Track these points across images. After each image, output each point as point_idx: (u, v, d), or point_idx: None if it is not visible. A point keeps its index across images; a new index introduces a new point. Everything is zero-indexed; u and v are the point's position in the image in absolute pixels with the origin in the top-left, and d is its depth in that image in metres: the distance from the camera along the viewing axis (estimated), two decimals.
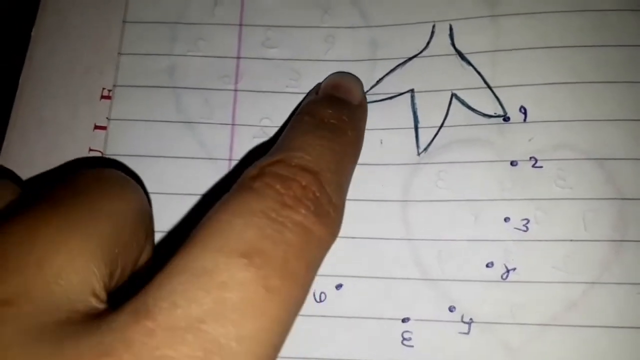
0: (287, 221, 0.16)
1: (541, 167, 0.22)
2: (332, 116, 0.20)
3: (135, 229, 0.17)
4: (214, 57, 0.25)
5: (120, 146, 0.24)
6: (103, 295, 0.15)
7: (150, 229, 0.19)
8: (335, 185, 0.18)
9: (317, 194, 0.17)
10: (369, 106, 0.24)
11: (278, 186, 0.17)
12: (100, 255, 0.15)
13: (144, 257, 0.18)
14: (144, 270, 0.18)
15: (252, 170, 0.17)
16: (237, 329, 0.14)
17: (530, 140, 0.23)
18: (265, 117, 0.24)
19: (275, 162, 0.18)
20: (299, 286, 0.16)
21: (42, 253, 0.15)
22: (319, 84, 0.24)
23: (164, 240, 0.23)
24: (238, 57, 0.25)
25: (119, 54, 0.25)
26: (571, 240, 0.21)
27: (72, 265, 0.15)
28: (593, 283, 0.21)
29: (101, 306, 0.15)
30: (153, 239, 0.20)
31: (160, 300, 0.14)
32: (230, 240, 0.15)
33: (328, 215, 0.17)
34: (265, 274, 0.15)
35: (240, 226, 0.15)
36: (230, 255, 0.15)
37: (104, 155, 0.24)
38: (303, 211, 0.16)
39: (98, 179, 0.18)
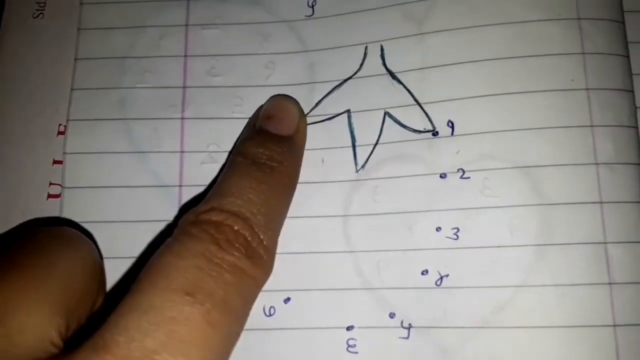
0: (223, 262, 0.16)
1: (468, 178, 0.22)
2: (263, 155, 0.20)
3: (88, 282, 0.18)
4: (161, 87, 0.24)
5: (77, 179, 0.23)
6: (60, 343, 0.16)
7: (102, 281, 0.19)
8: (266, 227, 0.18)
9: (249, 238, 0.17)
10: (310, 127, 0.23)
11: (212, 231, 0.17)
12: (56, 309, 0.16)
13: (97, 306, 0.18)
14: (97, 317, 0.18)
15: (189, 217, 0.18)
16: (186, 358, 0.15)
17: (457, 152, 0.22)
18: (212, 143, 0.23)
19: (209, 209, 0.18)
20: (237, 320, 0.17)
21: (3, 311, 0.15)
22: (260, 107, 0.23)
23: (131, 266, 0.22)
24: (184, 87, 0.24)
25: (72, 89, 0.24)
26: (498, 247, 0.21)
27: (31, 320, 0.15)
28: (520, 286, 0.21)
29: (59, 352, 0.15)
30: (105, 289, 0.20)
31: (116, 335, 0.14)
32: (175, 279, 0.16)
33: (260, 256, 0.18)
34: (208, 309, 0.15)
35: (184, 267, 0.16)
36: (177, 293, 0.15)
37: (64, 187, 0.23)
38: (236, 254, 0.17)
39: (52, 237, 0.18)
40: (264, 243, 0.18)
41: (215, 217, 0.17)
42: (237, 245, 0.17)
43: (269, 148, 0.20)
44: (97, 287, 0.18)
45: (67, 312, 0.16)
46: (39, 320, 0.15)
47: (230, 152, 0.23)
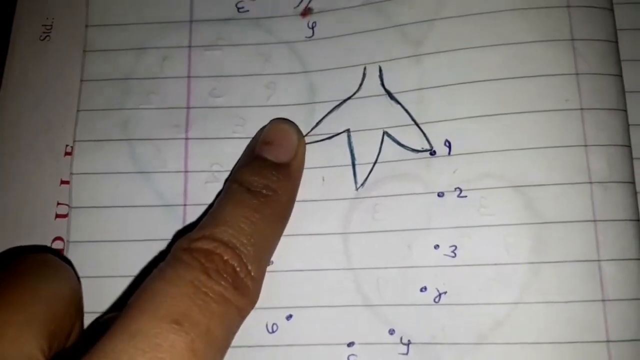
0: (210, 292, 0.17)
1: (465, 196, 0.22)
2: (258, 183, 0.20)
3: (68, 306, 0.19)
4: (165, 108, 0.25)
5: (84, 199, 0.24)
6: None
7: (80, 307, 0.20)
8: (255, 258, 0.19)
9: (237, 268, 0.18)
10: (311, 147, 0.24)
11: (203, 260, 0.18)
12: (40, 333, 0.17)
13: (75, 331, 0.19)
14: (75, 342, 0.19)
15: (182, 243, 0.19)
16: None
17: (454, 172, 0.23)
18: (215, 163, 0.24)
19: (201, 237, 0.18)
20: (219, 351, 0.17)
21: None
22: (260, 130, 0.24)
23: (130, 285, 0.23)
24: (188, 108, 0.25)
25: (78, 110, 0.25)
26: (495, 264, 0.22)
27: (18, 342, 0.16)
28: (516, 303, 0.21)
29: None
30: (82, 313, 0.21)
31: (103, 358, 0.15)
32: (164, 306, 0.16)
33: (247, 287, 0.18)
34: (192, 338, 0.16)
35: (173, 294, 0.17)
36: (164, 320, 0.16)
37: (71, 207, 0.24)
38: (223, 283, 0.17)
39: (36, 264, 0.19)
40: (252, 274, 0.19)
41: (206, 245, 0.18)
42: (225, 275, 0.18)
43: (265, 176, 0.21)
44: (76, 311, 0.19)
45: (50, 334, 0.17)
46: (25, 343, 0.16)
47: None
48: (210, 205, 0.23)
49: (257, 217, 0.19)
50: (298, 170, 0.22)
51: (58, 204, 0.24)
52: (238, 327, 0.18)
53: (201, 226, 0.19)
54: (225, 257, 0.18)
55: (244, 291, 0.18)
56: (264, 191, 0.20)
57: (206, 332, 0.16)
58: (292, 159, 0.22)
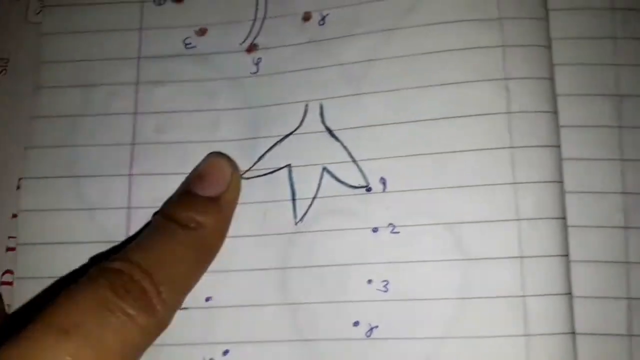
0: (114, 307, 0.18)
1: (398, 232, 0.23)
2: (183, 216, 0.21)
3: None
4: (111, 145, 0.26)
5: (31, 235, 0.25)
6: None
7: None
8: (170, 283, 0.20)
9: (146, 289, 0.19)
10: (253, 182, 0.25)
11: (113, 278, 0.19)
12: None
13: None
14: None
15: (99, 264, 0.20)
16: None
17: (388, 208, 0.24)
18: (159, 199, 0.25)
19: (116, 258, 0.20)
20: None
21: None
22: (199, 165, 0.24)
23: None
24: (133, 144, 0.26)
25: (26, 148, 0.26)
26: (424, 300, 0.22)
27: None
28: (443, 338, 0.22)
29: None
30: None
31: None
32: (57, 317, 0.18)
33: (153, 308, 0.19)
34: (76, 347, 0.17)
35: (70, 307, 0.18)
36: (52, 328, 0.17)
37: (17, 244, 0.25)
38: (130, 301, 0.18)
39: None
40: (163, 296, 0.19)
41: (118, 266, 0.19)
42: (133, 293, 0.19)
43: (191, 209, 0.22)
44: None
45: None
46: None
47: None
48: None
49: (177, 247, 0.20)
50: (229, 204, 0.23)
51: (9, 237, 0.25)
52: (140, 346, 0.19)
53: (124, 250, 0.20)
54: (136, 278, 0.19)
55: (150, 311, 0.19)
56: (189, 224, 0.21)
57: (97, 342, 0.17)
58: (223, 193, 0.23)
